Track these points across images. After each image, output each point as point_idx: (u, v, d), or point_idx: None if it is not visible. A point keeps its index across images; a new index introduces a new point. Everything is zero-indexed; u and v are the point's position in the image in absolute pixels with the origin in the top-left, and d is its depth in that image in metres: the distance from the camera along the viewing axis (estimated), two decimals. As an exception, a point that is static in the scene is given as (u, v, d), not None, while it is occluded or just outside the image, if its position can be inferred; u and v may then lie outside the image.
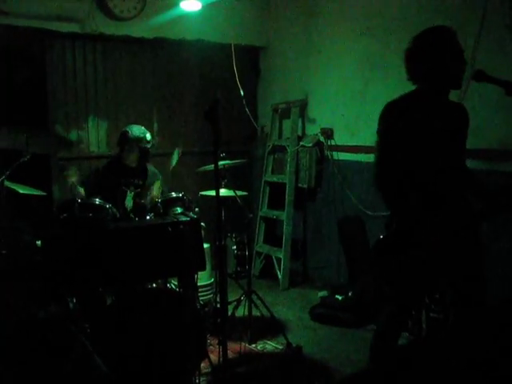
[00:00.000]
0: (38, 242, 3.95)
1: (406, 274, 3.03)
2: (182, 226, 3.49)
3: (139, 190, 4.71)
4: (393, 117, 3.06)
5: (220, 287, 3.37)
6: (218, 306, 4.44)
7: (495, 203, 2.97)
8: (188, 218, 3.66)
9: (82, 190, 4.48)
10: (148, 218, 4.28)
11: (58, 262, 3.39)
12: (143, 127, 4.78)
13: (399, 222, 3.02)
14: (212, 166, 3.35)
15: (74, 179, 4.50)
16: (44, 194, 4.38)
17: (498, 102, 4.12)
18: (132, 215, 4.46)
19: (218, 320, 4.40)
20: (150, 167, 4.89)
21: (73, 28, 5.63)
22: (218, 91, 6.62)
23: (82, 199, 3.93)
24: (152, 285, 4.18)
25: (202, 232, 4.58)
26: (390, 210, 3.14)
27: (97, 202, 3.97)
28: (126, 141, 4.64)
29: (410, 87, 3.17)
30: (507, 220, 3.59)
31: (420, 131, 3.00)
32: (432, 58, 2.98)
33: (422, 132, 3.00)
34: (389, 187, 3.08)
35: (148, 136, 4.72)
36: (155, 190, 4.79)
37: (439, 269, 3.05)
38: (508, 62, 4.14)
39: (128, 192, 4.65)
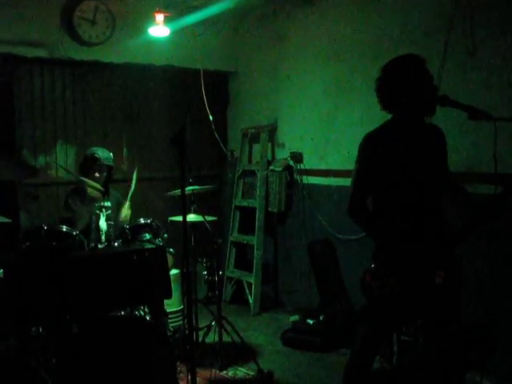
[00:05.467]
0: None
1: (385, 303, 3.05)
2: (147, 254, 3.45)
3: (109, 211, 4.69)
4: (371, 147, 3.08)
5: (188, 313, 3.32)
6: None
7: (474, 219, 3.00)
8: (153, 246, 3.63)
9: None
10: (116, 244, 4.24)
11: (19, 293, 3.31)
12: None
13: (383, 253, 3.05)
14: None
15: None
16: (9, 221, 4.29)
17: (463, 126, 4.18)
18: (104, 238, 4.46)
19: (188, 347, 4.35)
20: (112, 190, 4.88)
21: (41, 53, 5.62)
22: (188, 116, 6.65)
23: (48, 226, 3.88)
24: (120, 313, 4.12)
25: (172, 258, 4.57)
26: (374, 240, 3.17)
27: (64, 230, 3.92)
28: (94, 163, 4.63)
29: (378, 111, 3.21)
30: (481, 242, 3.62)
31: (397, 160, 3.03)
32: (404, 86, 3.00)
33: (400, 160, 3.03)
34: (363, 218, 3.12)
35: (111, 155, 4.80)
36: (124, 213, 4.78)
37: (415, 297, 3.06)
38: (471, 87, 4.23)
39: (101, 214, 4.62)
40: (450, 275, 3.02)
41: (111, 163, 4.76)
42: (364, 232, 3.33)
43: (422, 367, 3.26)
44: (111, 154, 4.81)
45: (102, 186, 4.72)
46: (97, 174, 4.64)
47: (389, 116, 3.16)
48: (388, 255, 3.03)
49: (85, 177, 4.68)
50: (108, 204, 4.72)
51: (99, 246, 4.43)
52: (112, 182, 4.89)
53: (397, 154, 3.02)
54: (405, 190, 3.05)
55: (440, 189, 3.18)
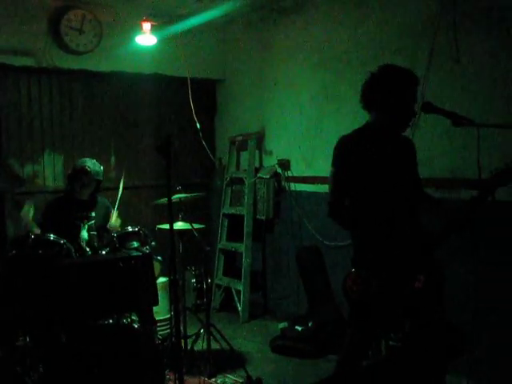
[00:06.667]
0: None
1: (366, 307, 3.07)
2: (133, 262, 3.45)
3: (93, 222, 4.67)
4: (346, 151, 3.13)
5: (176, 321, 3.32)
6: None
7: (450, 223, 3.03)
8: (140, 253, 3.63)
9: (36, 229, 4.43)
10: (104, 252, 4.24)
11: (4, 301, 3.30)
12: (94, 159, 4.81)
13: (363, 257, 3.08)
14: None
15: (30, 215, 4.45)
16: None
17: (447, 132, 4.23)
18: (87, 248, 4.43)
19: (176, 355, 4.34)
20: (100, 198, 4.87)
21: (28, 62, 5.61)
22: (175, 124, 6.66)
23: (34, 234, 3.87)
24: (108, 321, 4.10)
25: (159, 266, 4.57)
26: (353, 245, 3.21)
27: (51, 238, 3.92)
28: (83, 176, 4.61)
29: (365, 118, 3.25)
30: (461, 245, 3.66)
31: (372, 164, 3.08)
32: (389, 89, 3.07)
33: (374, 165, 3.08)
34: (342, 218, 3.20)
35: (101, 168, 4.77)
36: (114, 220, 4.78)
37: (399, 298, 3.08)
38: (456, 94, 4.27)
39: (82, 226, 4.61)
40: (431, 279, 3.05)
41: (101, 178, 4.75)
42: (346, 229, 3.34)
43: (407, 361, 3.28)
44: (101, 167, 4.79)
45: (89, 197, 4.72)
46: (85, 187, 4.63)
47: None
48: (368, 259, 3.06)
49: (72, 187, 4.67)
50: (92, 214, 4.70)
51: (86, 253, 4.42)
52: (99, 192, 4.88)
53: (371, 159, 3.08)
54: (380, 194, 3.09)
55: (414, 194, 3.24)
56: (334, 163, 3.17)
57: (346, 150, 3.14)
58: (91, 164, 4.67)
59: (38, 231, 4.39)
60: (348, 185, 3.13)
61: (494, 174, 2.86)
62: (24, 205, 4.55)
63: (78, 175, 4.64)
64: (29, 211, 4.46)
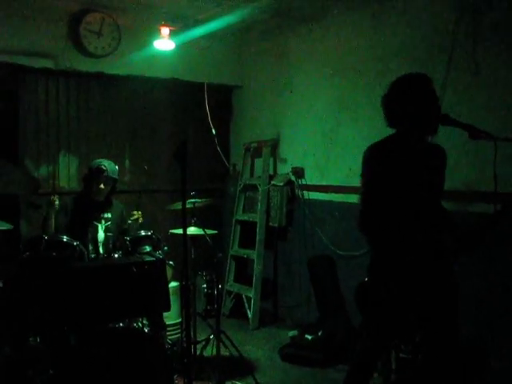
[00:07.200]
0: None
1: (384, 313, 3.05)
2: (146, 267, 3.45)
3: (109, 222, 4.69)
4: (375, 160, 3.10)
5: (186, 326, 3.32)
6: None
7: (467, 241, 3.01)
8: (153, 258, 3.63)
9: (53, 224, 4.46)
10: (116, 255, 4.25)
11: (17, 303, 3.31)
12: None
13: (379, 266, 3.06)
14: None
15: (56, 203, 4.48)
16: (10, 227, 4.27)
17: (464, 145, 4.20)
18: (102, 249, 4.46)
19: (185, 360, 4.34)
20: (115, 201, 4.89)
21: (47, 64, 5.66)
22: (190, 129, 6.68)
23: (49, 235, 3.89)
24: (118, 324, 4.11)
25: (172, 271, 4.57)
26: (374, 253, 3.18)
27: (64, 240, 3.93)
28: (99, 175, 4.62)
29: (379, 128, 3.23)
30: (477, 260, 3.63)
31: (399, 175, 3.05)
32: (410, 103, 3.03)
33: (401, 176, 3.06)
34: (373, 231, 3.13)
35: (117, 168, 4.79)
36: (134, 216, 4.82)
37: (412, 309, 3.06)
38: (474, 106, 4.24)
39: (99, 226, 4.63)
40: (446, 292, 3.03)
41: (116, 176, 4.75)
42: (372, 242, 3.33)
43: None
44: (117, 166, 4.81)
45: (105, 198, 4.73)
46: (102, 186, 4.62)
47: (390, 132, 3.19)
48: (383, 270, 3.04)
49: (89, 188, 4.69)
50: (108, 216, 4.71)
51: (99, 257, 4.44)
52: (115, 193, 4.89)
53: (393, 169, 3.05)
54: (401, 205, 3.06)
55: (434, 207, 3.20)
56: (363, 172, 3.15)
57: (373, 158, 3.11)
58: (107, 163, 4.68)
59: (52, 227, 4.43)
60: (378, 193, 3.10)
61: None
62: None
63: (95, 174, 4.64)
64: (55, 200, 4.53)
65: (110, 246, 4.64)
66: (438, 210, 3.26)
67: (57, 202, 4.51)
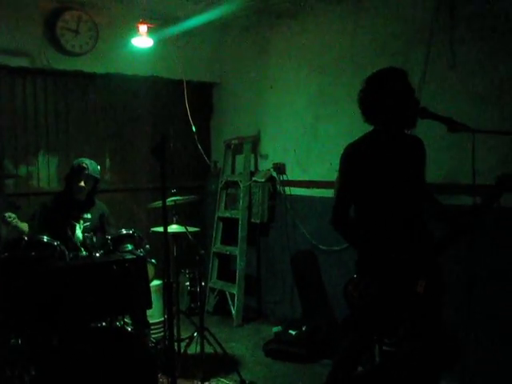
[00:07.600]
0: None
1: (373, 308, 3.06)
2: (127, 265, 3.43)
3: (88, 223, 4.65)
4: (355, 159, 3.12)
5: (169, 324, 3.31)
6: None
7: (454, 229, 3.02)
8: (134, 256, 3.62)
9: (25, 226, 4.41)
10: (97, 254, 4.22)
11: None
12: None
13: (366, 262, 3.08)
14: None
15: (15, 221, 4.40)
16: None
17: (443, 138, 4.22)
18: (83, 248, 4.42)
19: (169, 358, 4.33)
20: (98, 202, 4.85)
21: (23, 63, 5.60)
22: (170, 127, 6.65)
23: (27, 236, 3.85)
24: (101, 323, 4.09)
25: (153, 268, 4.55)
26: (356, 250, 3.20)
27: (44, 240, 3.90)
28: (80, 173, 4.58)
29: (360, 123, 3.24)
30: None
31: (386, 170, 3.07)
32: (387, 98, 3.04)
33: (388, 171, 3.07)
34: (345, 228, 3.19)
35: (98, 167, 4.77)
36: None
37: (396, 306, 3.08)
38: (452, 100, 4.28)
39: (78, 226, 4.59)
40: (432, 284, 3.04)
41: (98, 176, 4.72)
42: (347, 242, 3.38)
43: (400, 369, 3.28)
44: (99, 167, 4.78)
45: (87, 197, 4.70)
46: (82, 184, 4.58)
47: (370, 128, 3.20)
48: (370, 265, 3.05)
49: (70, 187, 4.65)
50: (88, 216, 4.68)
51: (79, 256, 4.40)
52: (96, 193, 4.86)
53: (377, 165, 3.06)
54: (386, 200, 3.08)
55: (421, 199, 3.22)
56: (340, 170, 3.18)
57: (352, 157, 3.13)
58: (88, 162, 4.66)
59: (25, 228, 4.38)
60: (353, 193, 3.13)
61: (499, 180, 2.85)
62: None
63: (76, 172, 4.61)
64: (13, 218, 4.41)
65: (89, 246, 4.59)
66: (426, 199, 3.29)
67: (14, 225, 4.37)
